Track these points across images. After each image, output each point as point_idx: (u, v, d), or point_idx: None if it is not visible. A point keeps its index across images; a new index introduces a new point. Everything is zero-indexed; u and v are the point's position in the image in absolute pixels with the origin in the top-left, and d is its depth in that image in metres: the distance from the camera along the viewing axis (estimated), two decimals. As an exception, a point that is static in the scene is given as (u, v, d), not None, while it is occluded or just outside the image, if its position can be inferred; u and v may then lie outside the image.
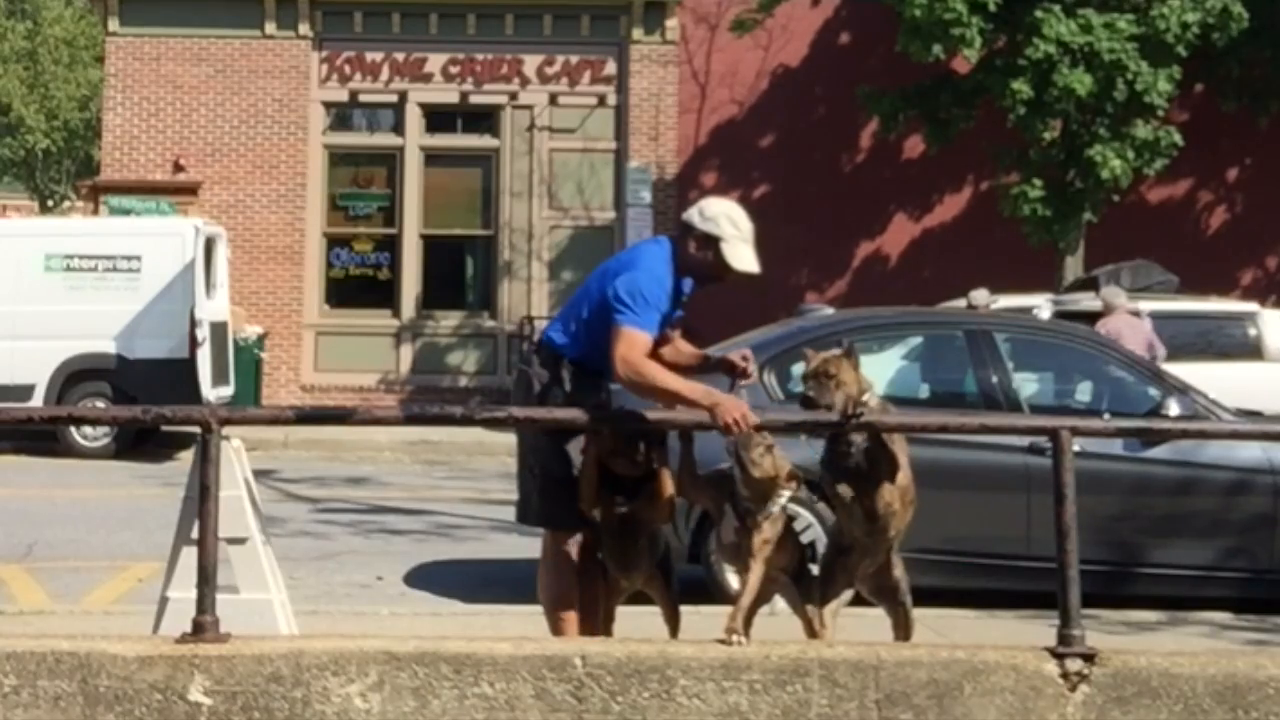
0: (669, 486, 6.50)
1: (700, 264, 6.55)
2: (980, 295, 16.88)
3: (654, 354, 6.43)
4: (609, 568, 6.60)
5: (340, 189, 24.20)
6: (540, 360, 6.69)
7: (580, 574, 6.62)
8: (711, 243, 6.50)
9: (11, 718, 5.48)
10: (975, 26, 19.44)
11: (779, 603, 6.85)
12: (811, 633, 6.60)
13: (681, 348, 6.81)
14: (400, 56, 23.83)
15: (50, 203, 45.22)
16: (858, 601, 6.83)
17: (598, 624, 6.61)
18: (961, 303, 16.55)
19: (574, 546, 6.61)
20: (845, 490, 6.47)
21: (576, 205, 23.99)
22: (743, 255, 6.51)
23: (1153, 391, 9.76)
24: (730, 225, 6.51)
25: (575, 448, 6.54)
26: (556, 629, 6.57)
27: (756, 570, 6.24)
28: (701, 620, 6.84)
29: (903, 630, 6.67)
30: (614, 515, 6.48)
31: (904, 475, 6.55)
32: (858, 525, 6.54)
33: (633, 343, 6.26)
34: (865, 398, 6.47)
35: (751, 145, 24.07)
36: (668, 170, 23.81)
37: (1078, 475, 5.98)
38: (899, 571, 6.67)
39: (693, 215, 6.59)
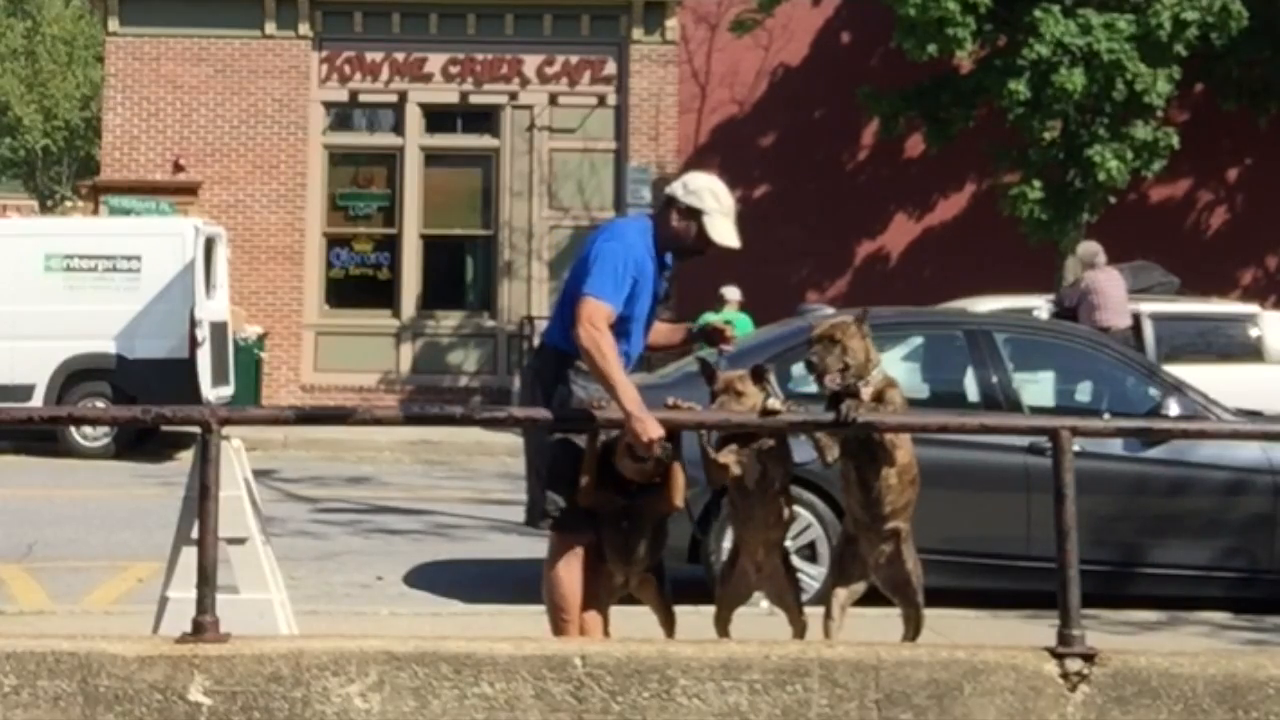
0: (680, 479, 6.47)
1: (682, 236, 6.65)
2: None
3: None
4: (608, 556, 6.56)
5: (340, 189, 24.17)
6: (543, 361, 6.72)
7: (586, 576, 6.61)
8: (694, 215, 6.62)
9: (11, 718, 5.48)
10: (968, 26, 19.42)
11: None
12: (799, 631, 6.60)
13: (658, 326, 6.86)
14: (400, 56, 23.82)
15: (50, 203, 45.19)
16: (860, 601, 6.82)
17: (600, 626, 6.61)
18: (962, 302, 16.45)
19: (580, 548, 6.60)
20: (833, 441, 6.48)
21: (576, 205, 23.98)
22: (723, 229, 6.63)
23: (1152, 391, 9.77)
24: (713, 199, 6.63)
25: (582, 445, 6.55)
26: (559, 629, 6.57)
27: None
28: (701, 620, 6.83)
29: (911, 628, 6.66)
30: (616, 506, 6.46)
31: (904, 453, 6.54)
32: (855, 499, 6.55)
33: (595, 310, 6.34)
34: (874, 372, 6.47)
35: (751, 145, 24.06)
36: (668, 170, 23.76)
37: (1077, 475, 5.98)
38: (911, 564, 6.67)
39: (676, 188, 6.70)
